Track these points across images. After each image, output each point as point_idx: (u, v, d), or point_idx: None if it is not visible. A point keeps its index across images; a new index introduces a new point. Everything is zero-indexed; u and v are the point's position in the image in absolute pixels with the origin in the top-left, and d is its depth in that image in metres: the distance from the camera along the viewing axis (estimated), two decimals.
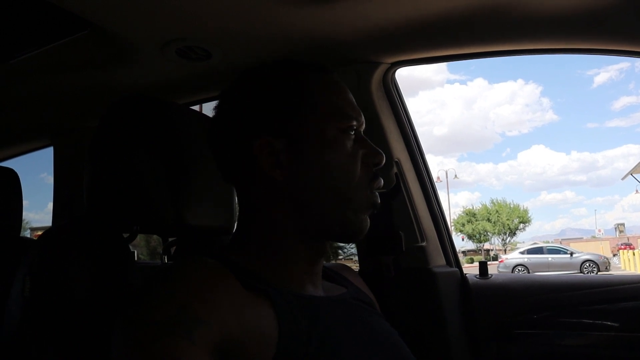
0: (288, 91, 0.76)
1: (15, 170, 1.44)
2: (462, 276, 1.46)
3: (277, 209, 0.75)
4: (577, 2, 1.06)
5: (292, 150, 0.73)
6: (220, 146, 0.79)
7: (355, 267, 1.10)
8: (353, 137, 0.77)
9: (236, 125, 0.77)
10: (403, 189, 1.40)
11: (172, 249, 1.10)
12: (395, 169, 1.38)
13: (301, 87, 0.76)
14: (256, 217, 0.77)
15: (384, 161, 0.79)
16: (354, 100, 0.81)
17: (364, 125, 0.81)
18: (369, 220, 0.79)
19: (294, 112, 0.75)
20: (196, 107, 1.69)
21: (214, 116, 0.81)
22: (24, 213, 1.46)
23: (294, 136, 0.74)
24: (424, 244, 1.40)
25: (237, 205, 0.94)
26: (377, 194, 0.79)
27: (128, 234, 0.93)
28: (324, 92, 0.77)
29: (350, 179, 0.75)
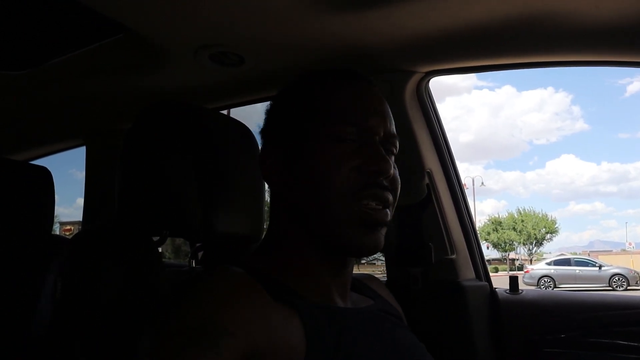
0: (293, 102, 0.78)
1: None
2: (492, 290, 1.43)
3: (283, 218, 0.76)
4: (617, 14, 1.03)
5: (288, 159, 0.74)
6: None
7: (376, 272, 1.08)
8: (351, 144, 0.71)
9: (263, 134, 0.82)
10: (434, 199, 1.38)
11: (200, 254, 1.10)
12: (426, 180, 1.35)
13: (306, 96, 0.76)
14: (273, 227, 0.78)
15: (391, 170, 0.71)
16: (373, 107, 0.75)
17: (388, 133, 0.75)
18: (377, 236, 0.72)
19: (294, 122, 0.75)
20: (224, 112, 1.71)
21: None
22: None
23: (290, 145, 0.74)
24: (453, 256, 1.37)
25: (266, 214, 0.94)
26: (373, 205, 0.71)
27: (158, 237, 0.94)
28: (328, 100, 0.74)
29: (329, 189, 0.69)
